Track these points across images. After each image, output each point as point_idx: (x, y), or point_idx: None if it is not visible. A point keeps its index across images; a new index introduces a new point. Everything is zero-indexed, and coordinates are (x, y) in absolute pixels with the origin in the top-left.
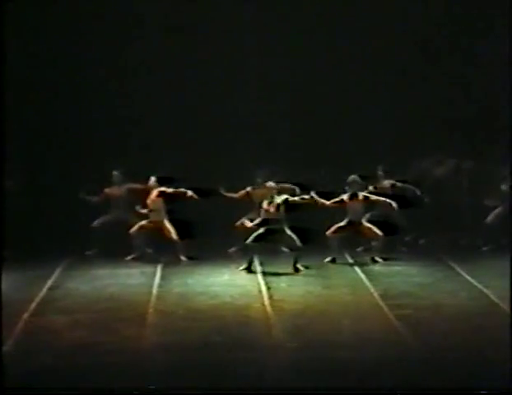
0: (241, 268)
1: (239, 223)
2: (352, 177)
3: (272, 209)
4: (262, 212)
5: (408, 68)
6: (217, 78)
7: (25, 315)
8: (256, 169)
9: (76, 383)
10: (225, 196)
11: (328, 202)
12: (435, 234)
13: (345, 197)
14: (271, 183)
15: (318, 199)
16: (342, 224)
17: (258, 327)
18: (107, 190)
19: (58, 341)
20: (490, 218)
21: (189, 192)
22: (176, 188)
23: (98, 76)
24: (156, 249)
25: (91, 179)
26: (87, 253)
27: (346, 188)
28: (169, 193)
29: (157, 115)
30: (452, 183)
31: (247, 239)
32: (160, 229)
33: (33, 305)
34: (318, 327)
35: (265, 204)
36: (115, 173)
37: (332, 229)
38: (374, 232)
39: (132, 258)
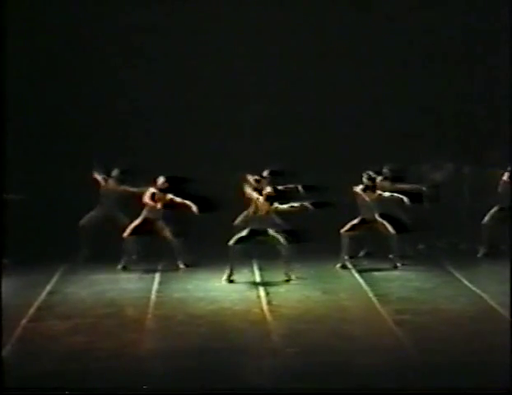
0: (224, 279)
1: (237, 221)
2: (368, 172)
3: (261, 199)
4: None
5: (407, 72)
6: (223, 80)
7: (24, 320)
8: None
9: (75, 389)
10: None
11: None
12: (435, 238)
13: (358, 189)
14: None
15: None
16: (355, 222)
17: (257, 332)
18: (102, 183)
19: (56, 346)
20: (486, 219)
21: (194, 208)
22: (184, 189)
23: (98, 80)
24: (154, 255)
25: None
26: (79, 258)
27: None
28: (176, 202)
29: (160, 118)
30: (451, 187)
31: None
32: (154, 228)
33: (32, 310)
34: (316, 332)
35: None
36: (116, 170)
37: (347, 227)
38: (388, 229)
39: (123, 267)
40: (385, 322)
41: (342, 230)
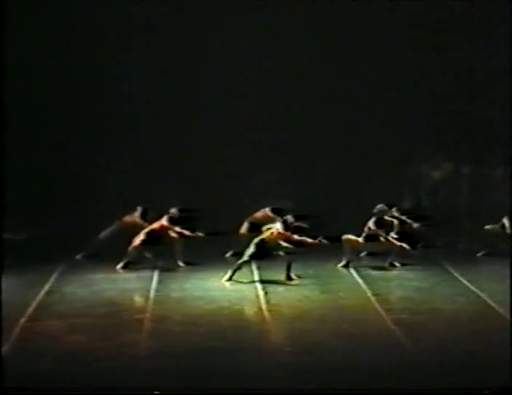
0: (225, 279)
1: (243, 230)
2: (380, 206)
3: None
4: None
5: (407, 72)
6: (221, 102)
7: (22, 320)
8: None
9: (73, 389)
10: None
11: (360, 240)
12: (433, 238)
13: (371, 224)
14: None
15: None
16: (360, 239)
17: (256, 331)
18: (126, 218)
19: (55, 345)
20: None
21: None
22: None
23: (98, 101)
24: (153, 254)
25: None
26: (77, 256)
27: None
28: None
29: (154, 118)
30: (450, 187)
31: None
32: (162, 238)
33: (30, 310)
34: (315, 331)
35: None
36: (139, 208)
37: (350, 237)
38: (391, 241)
39: (123, 266)
40: (384, 321)
41: (344, 237)
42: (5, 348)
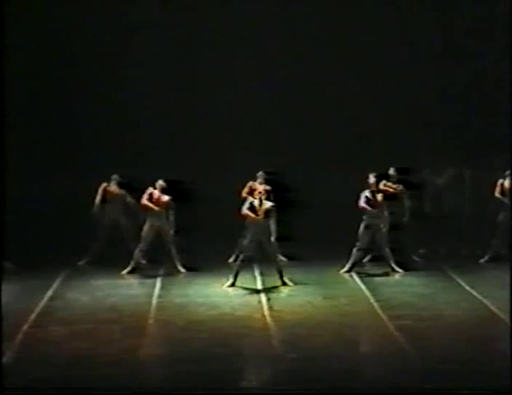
0: (227, 285)
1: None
2: (372, 177)
3: (260, 213)
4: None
5: (409, 77)
6: (215, 80)
7: (25, 326)
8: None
9: (76, 394)
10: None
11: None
12: (436, 243)
13: (366, 196)
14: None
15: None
16: (360, 230)
17: (258, 337)
18: (106, 186)
19: (57, 352)
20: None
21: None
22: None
23: (98, 86)
24: (155, 260)
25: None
26: (80, 263)
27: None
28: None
29: (155, 119)
30: (453, 192)
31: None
32: (161, 234)
33: (33, 316)
34: (317, 337)
35: (256, 203)
36: (115, 176)
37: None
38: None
39: (129, 271)
40: (386, 327)
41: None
42: (8, 354)
